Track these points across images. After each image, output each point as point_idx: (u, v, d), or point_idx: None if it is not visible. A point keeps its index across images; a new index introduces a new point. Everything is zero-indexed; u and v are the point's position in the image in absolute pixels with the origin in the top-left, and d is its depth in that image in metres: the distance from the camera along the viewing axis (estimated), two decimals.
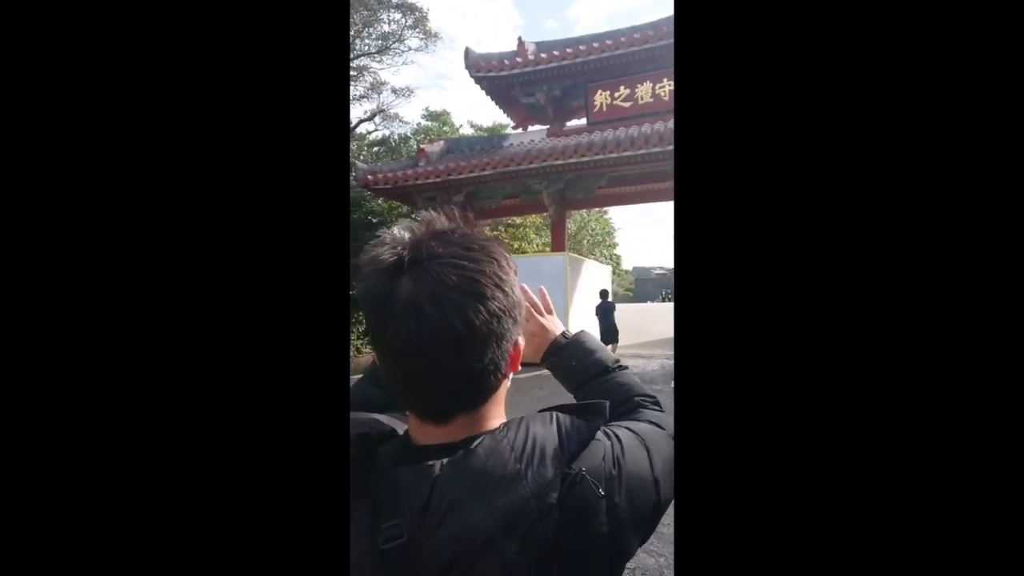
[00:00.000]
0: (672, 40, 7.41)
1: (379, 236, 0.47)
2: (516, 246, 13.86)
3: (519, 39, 8.73)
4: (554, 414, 0.50)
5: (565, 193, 8.62)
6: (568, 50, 8.26)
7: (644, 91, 8.33)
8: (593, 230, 29.10)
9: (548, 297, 0.73)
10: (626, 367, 0.70)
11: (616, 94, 8.50)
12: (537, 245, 14.91)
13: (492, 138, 9.79)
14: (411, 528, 0.43)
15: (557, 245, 9.52)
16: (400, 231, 0.47)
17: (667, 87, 8.19)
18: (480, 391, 0.47)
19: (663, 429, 0.57)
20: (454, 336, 0.43)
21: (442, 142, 9.87)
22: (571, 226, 16.13)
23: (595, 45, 8.09)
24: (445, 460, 0.45)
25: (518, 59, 8.57)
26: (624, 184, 9.08)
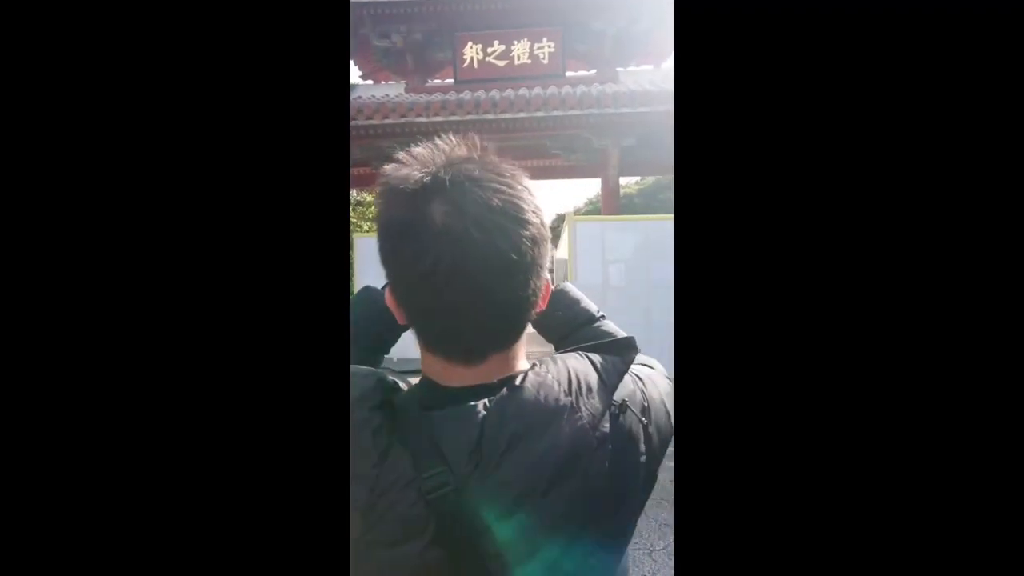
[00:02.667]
0: None
1: (398, 158, 0.44)
2: (365, 227, 11.84)
3: None
4: (581, 352, 0.49)
5: None
6: None
7: (521, 49, 7.15)
8: None
9: None
10: (605, 316, 0.68)
11: (489, 49, 7.19)
12: None
13: None
14: (459, 474, 0.40)
15: None
16: (424, 151, 0.43)
17: (546, 48, 7.13)
18: (518, 325, 0.45)
19: (653, 368, 0.57)
20: (502, 262, 0.41)
21: None
22: None
23: None
24: (489, 399, 0.43)
25: None
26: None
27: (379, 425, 0.42)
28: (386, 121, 6.28)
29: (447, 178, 0.41)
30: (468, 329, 0.43)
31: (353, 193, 12.44)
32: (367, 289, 0.65)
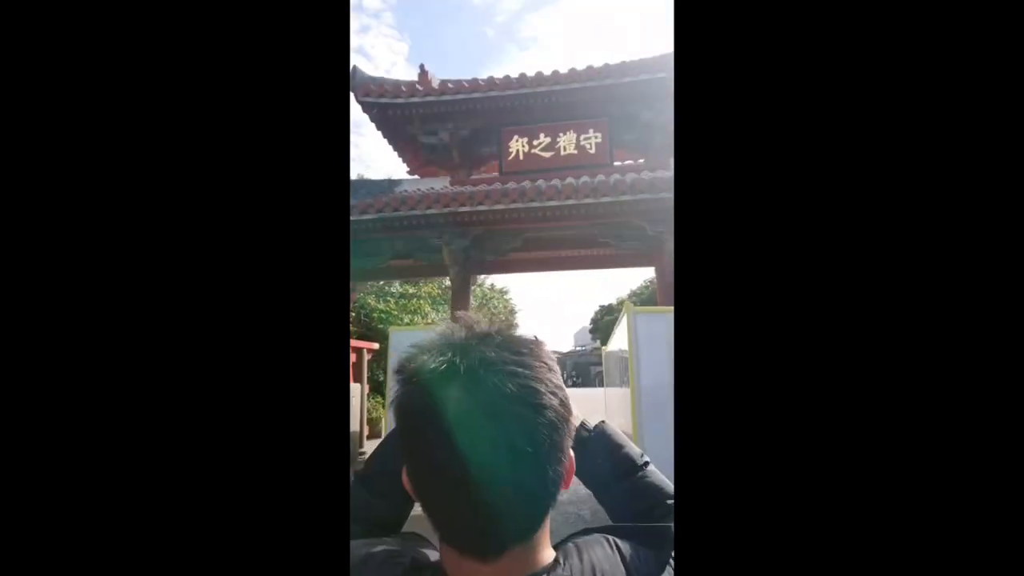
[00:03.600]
0: (601, 84, 6.44)
1: (416, 345, 0.43)
2: (407, 319, 11.55)
3: (421, 67, 7.20)
4: (610, 539, 0.46)
5: (471, 253, 6.81)
6: (481, 82, 6.84)
7: (567, 141, 7.07)
8: (495, 308, 27.49)
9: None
10: (649, 462, 0.64)
11: (535, 142, 7.15)
12: (433, 321, 12.71)
13: (381, 182, 7.87)
14: None
15: None
16: (440, 335, 0.43)
17: (593, 139, 7.02)
18: (537, 515, 0.42)
19: None
20: (517, 453, 0.38)
21: None
22: (472, 301, 14.17)
23: (513, 79, 6.77)
24: None
25: (419, 87, 6.96)
26: (542, 248, 7.53)
27: None
28: (429, 211, 6.11)
29: (462, 366, 0.39)
30: (483, 524, 0.39)
31: (396, 284, 12.40)
32: (394, 435, 0.61)
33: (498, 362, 0.39)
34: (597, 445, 0.61)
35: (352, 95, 7.10)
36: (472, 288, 7.54)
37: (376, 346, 9.14)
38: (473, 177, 7.52)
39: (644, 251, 6.67)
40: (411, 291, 12.65)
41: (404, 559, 0.44)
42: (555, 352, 0.44)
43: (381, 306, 12.07)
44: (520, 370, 0.39)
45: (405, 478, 0.43)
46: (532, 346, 0.42)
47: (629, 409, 4.17)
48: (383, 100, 6.95)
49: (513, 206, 5.97)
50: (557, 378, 0.41)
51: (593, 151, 6.99)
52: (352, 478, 0.59)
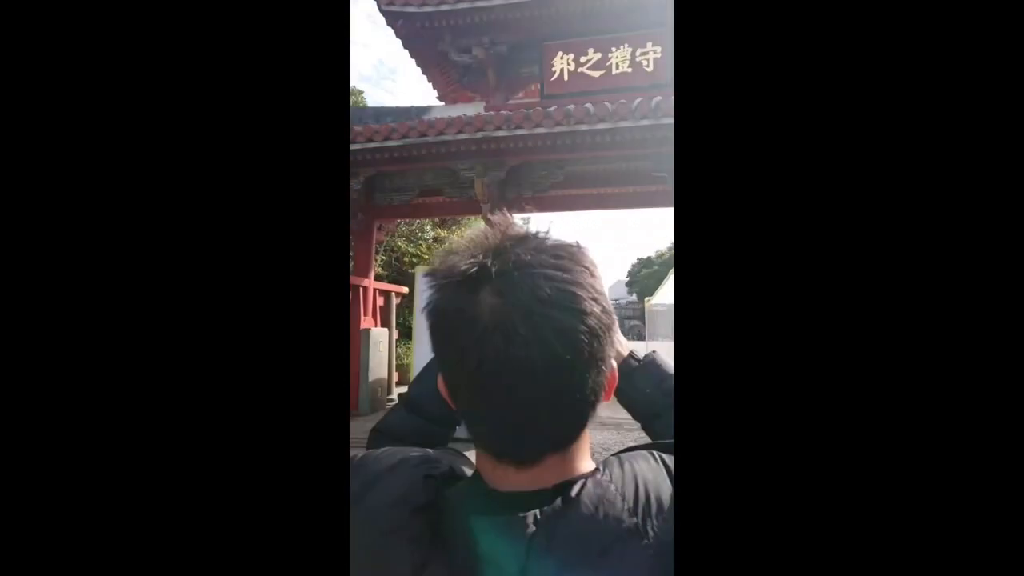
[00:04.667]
0: None
1: (449, 244, 0.42)
2: (438, 264, 11.02)
3: None
4: (654, 453, 0.44)
5: (507, 187, 6.08)
6: None
7: (620, 57, 6.09)
8: None
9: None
10: None
11: (583, 59, 6.20)
12: None
13: (409, 109, 7.12)
14: None
15: None
16: (475, 236, 0.41)
17: (651, 54, 6.01)
18: (576, 425, 0.41)
19: None
20: (553, 359, 0.37)
21: None
22: None
23: None
24: (539, 511, 0.38)
25: None
26: (586, 184, 6.72)
27: (418, 534, 0.39)
28: (460, 137, 5.38)
29: (494, 268, 0.38)
30: (518, 431, 0.39)
31: (428, 229, 11.87)
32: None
33: (535, 264, 0.38)
34: (646, 375, 0.60)
35: (376, 3, 6.26)
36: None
37: (405, 290, 8.72)
38: (510, 103, 6.67)
39: None
40: (443, 235, 12.10)
41: (442, 466, 0.43)
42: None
43: (412, 249, 11.61)
44: (559, 273, 0.38)
45: (440, 383, 0.43)
46: (572, 250, 0.40)
47: None
48: (409, 9, 6.08)
49: (556, 130, 5.16)
50: (599, 284, 0.40)
51: (651, 68, 6.00)
52: (396, 403, 0.61)
